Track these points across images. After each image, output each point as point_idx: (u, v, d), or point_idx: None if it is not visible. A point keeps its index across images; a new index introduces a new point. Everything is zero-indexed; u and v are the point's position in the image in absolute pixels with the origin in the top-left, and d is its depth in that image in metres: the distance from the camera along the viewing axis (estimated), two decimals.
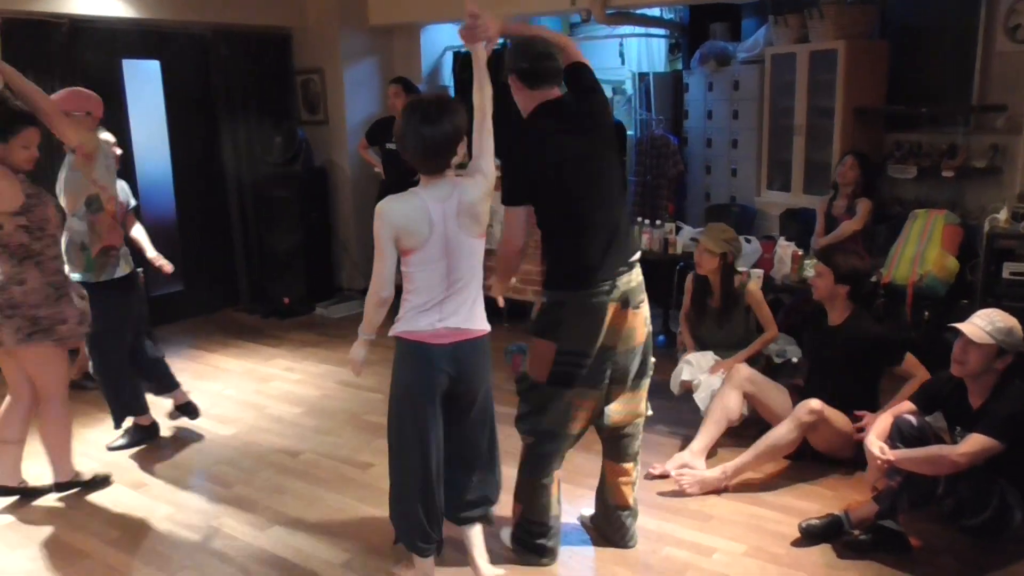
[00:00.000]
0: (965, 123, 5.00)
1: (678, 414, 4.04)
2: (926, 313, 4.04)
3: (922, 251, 4.14)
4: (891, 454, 2.81)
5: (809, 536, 2.94)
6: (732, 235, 3.94)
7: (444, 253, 2.41)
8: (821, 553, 2.90)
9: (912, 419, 2.93)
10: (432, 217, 2.38)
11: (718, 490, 3.32)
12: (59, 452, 3.39)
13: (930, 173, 4.90)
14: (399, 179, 2.64)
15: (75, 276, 3.46)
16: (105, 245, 3.54)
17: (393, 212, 2.38)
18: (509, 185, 2.59)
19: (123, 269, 3.66)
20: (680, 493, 3.31)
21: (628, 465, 2.88)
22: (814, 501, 3.25)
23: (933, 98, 5.15)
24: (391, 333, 2.52)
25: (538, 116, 2.59)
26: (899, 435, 2.89)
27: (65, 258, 3.36)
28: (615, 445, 2.86)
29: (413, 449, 2.52)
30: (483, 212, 2.46)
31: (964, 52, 4.97)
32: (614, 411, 2.78)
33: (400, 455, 2.58)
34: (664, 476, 3.43)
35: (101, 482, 3.52)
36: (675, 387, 4.01)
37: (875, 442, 2.86)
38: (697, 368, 3.90)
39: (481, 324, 2.53)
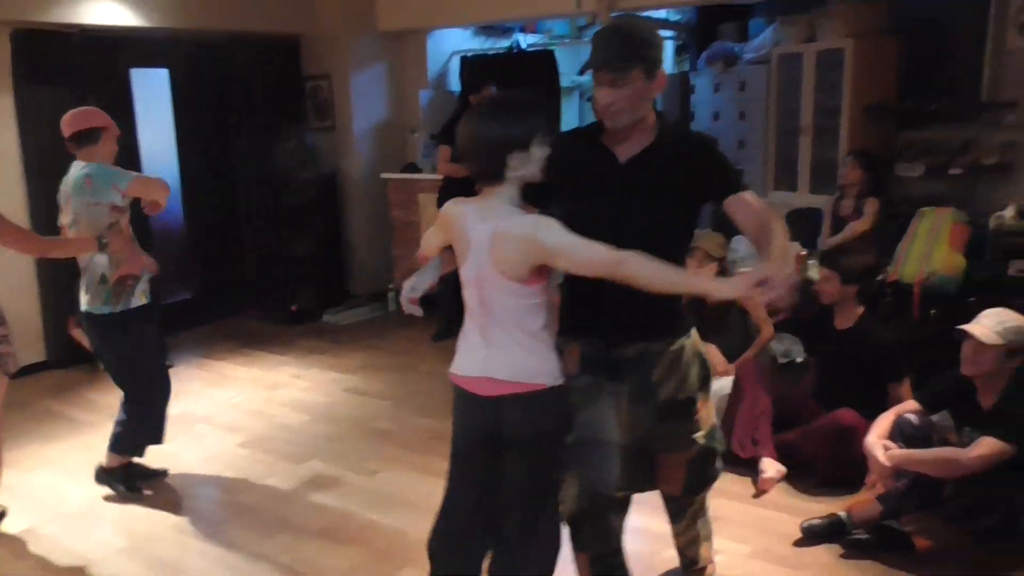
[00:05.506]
0: (976, 120, 4.95)
1: None
2: (932, 311, 4.00)
3: (929, 249, 4.09)
4: (898, 455, 2.78)
5: (811, 536, 2.93)
6: (723, 240, 3.98)
7: (476, 281, 2.13)
8: (825, 553, 2.88)
9: (914, 418, 2.90)
10: (470, 233, 2.12)
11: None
12: None
13: (938, 171, 4.86)
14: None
15: (95, 311, 3.32)
16: (123, 274, 3.33)
17: (446, 207, 2.22)
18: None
19: (139, 299, 3.40)
20: None
21: None
22: (821, 502, 3.23)
23: (944, 95, 5.09)
24: None
25: None
26: (900, 435, 2.86)
27: (84, 291, 3.33)
28: None
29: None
30: (513, 255, 2.05)
31: (975, 48, 4.93)
32: None
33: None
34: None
35: None
36: None
37: (877, 443, 2.84)
38: None
39: (524, 376, 2.11)
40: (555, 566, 2.23)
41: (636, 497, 3.09)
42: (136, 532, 3.25)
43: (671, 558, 2.89)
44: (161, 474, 3.68)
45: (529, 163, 2.05)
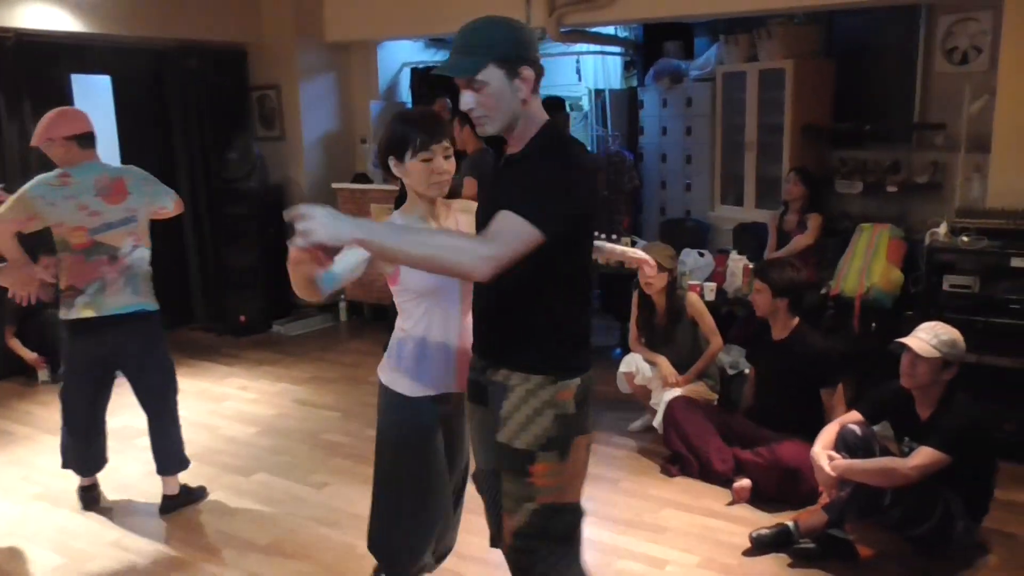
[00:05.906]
0: (907, 140, 5.17)
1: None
2: (873, 324, 4.13)
3: (868, 264, 4.24)
4: (841, 465, 2.86)
5: (760, 546, 2.98)
6: (673, 252, 4.03)
7: None
8: (772, 562, 2.94)
9: (857, 429, 2.99)
10: None
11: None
12: None
13: (875, 188, 5.05)
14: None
15: (149, 308, 3.28)
16: None
17: None
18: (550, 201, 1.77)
19: None
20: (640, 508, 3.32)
21: None
22: (767, 511, 3.29)
23: (877, 116, 5.30)
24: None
25: (573, 143, 1.96)
26: (844, 445, 2.94)
27: (131, 291, 3.22)
28: None
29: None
30: None
31: (905, 72, 5.15)
32: None
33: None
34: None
35: None
36: (621, 384, 4.07)
37: (822, 453, 2.91)
38: (642, 368, 3.98)
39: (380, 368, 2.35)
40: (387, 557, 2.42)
41: (587, 507, 3.09)
42: (73, 550, 3.14)
43: (623, 570, 2.92)
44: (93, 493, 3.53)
45: (409, 173, 2.15)
